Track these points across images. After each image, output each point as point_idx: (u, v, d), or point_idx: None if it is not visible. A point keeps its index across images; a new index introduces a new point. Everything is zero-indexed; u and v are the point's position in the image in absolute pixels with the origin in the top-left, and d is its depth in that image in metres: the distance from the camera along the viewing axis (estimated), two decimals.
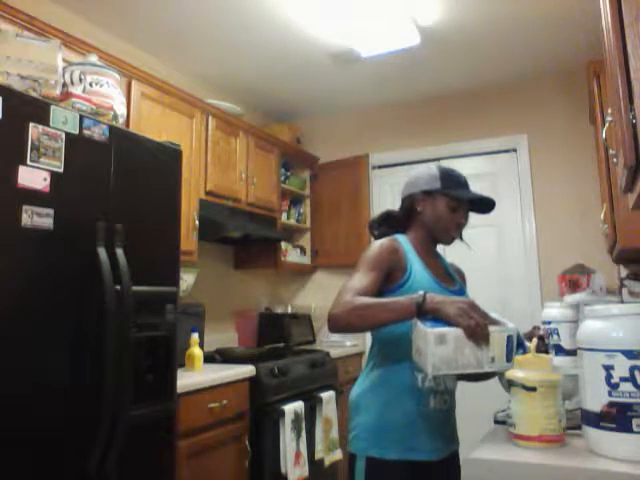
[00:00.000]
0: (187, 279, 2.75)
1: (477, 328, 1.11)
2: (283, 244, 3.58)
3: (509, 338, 1.17)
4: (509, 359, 1.15)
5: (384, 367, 1.39)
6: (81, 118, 1.71)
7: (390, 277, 1.38)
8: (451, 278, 1.54)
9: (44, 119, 1.59)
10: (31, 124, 1.56)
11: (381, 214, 1.60)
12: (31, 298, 1.52)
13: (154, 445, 1.88)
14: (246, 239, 3.28)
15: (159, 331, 1.93)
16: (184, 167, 2.22)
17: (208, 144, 2.90)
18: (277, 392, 2.62)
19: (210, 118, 2.94)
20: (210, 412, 2.26)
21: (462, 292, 1.50)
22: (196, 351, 2.54)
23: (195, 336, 2.58)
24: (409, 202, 1.52)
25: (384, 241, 1.44)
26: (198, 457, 2.19)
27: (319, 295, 3.92)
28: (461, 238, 1.55)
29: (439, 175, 1.49)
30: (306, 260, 3.89)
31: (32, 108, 1.58)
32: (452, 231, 1.47)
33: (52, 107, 1.63)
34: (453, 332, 1.12)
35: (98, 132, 1.76)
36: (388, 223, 1.56)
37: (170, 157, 2.08)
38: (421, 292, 1.19)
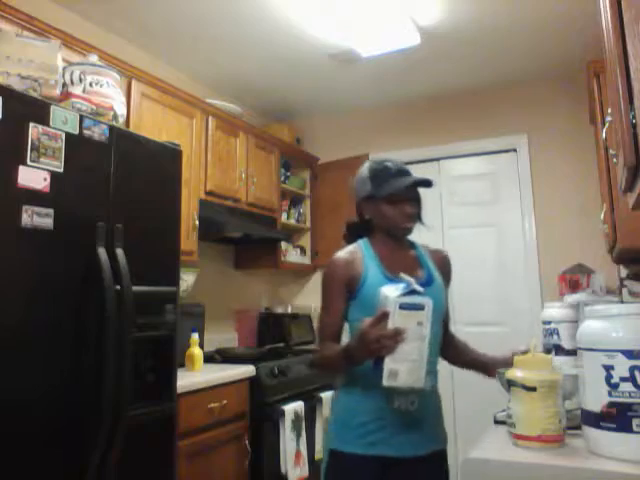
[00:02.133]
0: (187, 279, 2.75)
1: (386, 347, 1.18)
2: (283, 244, 3.58)
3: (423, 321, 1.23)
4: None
5: (354, 367, 1.40)
6: (81, 118, 1.71)
7: (350, 287, 1.43)
8: (422, 268, 1.49)
9: (44, 119, 1.59)
10: (31, 124, 1.56)
11: (345, 225, 1.64)
12: (31, 298, 1.52)
13: (154, 445, 1.88)
14: (246, 239, 3.28)
15: (159, 331, 1.93)
16: (184, 167, 2.22)
17: (208, 144, 2.90)
18: (277, 392, 2.63)
19: (210, 118, 2.94)
20: (210, 412, 2.26)
21: (430, 281, 1.44)
22: (196, 351, 2.54)
23: (195, 336, 2.58)
24: (359, 211, 1.56)
25: (335, 257, 1.48)
26: (198, 457, 2.19)
27: (319, 295, 3.91)
28: (421, 222, 1.53)
29: (369, 176, 1.50)
30: (306, 260, 3.89)
31: (32, 108, 1.58)
32: (402, 223, 1.46)
33: (52, 107, 1.63)
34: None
35: (98, 132, 1.76)
36: (356, 230, 1.58)
37: (170, 157, 2.08)
38: (348, 343, 1.29)
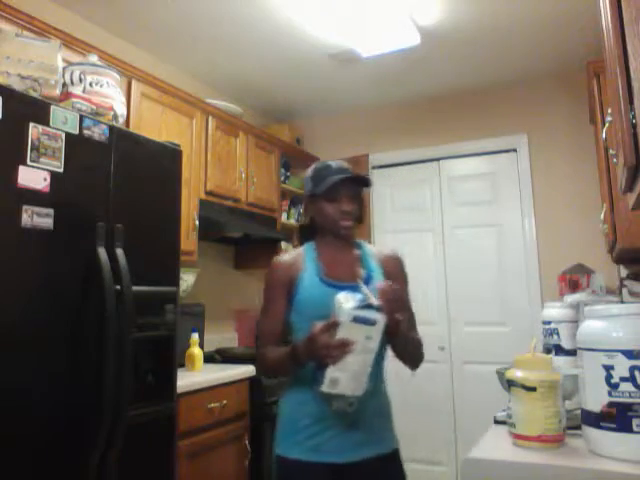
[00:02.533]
0: (187, 279, 2.75)
1: (332, 357, 1.19)
2: (283, 244, 3.58)
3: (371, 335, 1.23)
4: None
5: (297, 371, 1.40)
6: (81, 118, 1.71)
7: (289, 289, 1.43)
8: (363, 269, 1.46)
9: (44, 119, 1.59)
10: (31, 124, 1.56)
11: (298, 228, 1.68)
12: (31, 298, 1.52)
13: (154, 445, 1.88)
14: (246, 239, 3.28)
15: (159, 331, 1.93)
16: (184, 167, 2.22)
17: (208, 144, 2.90)
18: (277, 392, 2.62)
19: (210, 118, 2.94)
20: (210, 412, 2.26)
21: (367, 282, 1.39)
22: (196, 351, 2.54)
23: (195, 336, 2.58)
24: (304, 211, 1.58)
25: (275, 259, 1.50)
26: (198, 457, 2.19)
27: None
28: (360, 222, 1.51)
29: (311, 176, 1.51)
30: None
31: (32, 108, 1.58)
32: (340, 220, 1.44)
33: (52, 107, 1.63)
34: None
35: (98, 132, 1.76)
36: (306, 232, 1.59)
37: (170, 157, 2.08)
38: (295, 344, 1.30)
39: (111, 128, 1.81)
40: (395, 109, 3.90)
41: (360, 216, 1.51)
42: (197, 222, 2.72)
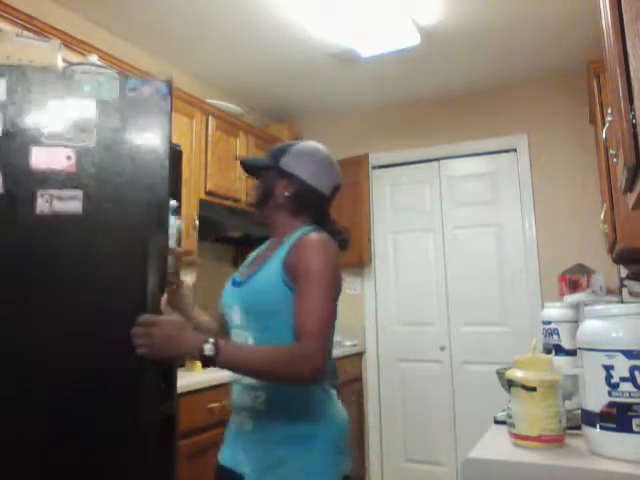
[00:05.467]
0: (187, 279, 2.75)
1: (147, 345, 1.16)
2: None
3: None
4: None
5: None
6: (122, 79, 1.40)
7: None
8: (259, 265, 1.31)
9: (68, 90, 1.38)
10: (50, 100, 1.36)
11: None
12: (31, 294, 1.50)
13: (154, 445, 1.88)
14: (246, 239, 3.28)
15: None
16: (184, 167, 2.22)
17: (208, 144, 2.90)
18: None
19: (210, 118, 2.94)
20: (210, 412, 2.26)
21: (247, 278, 1.29)
22: None
23: None
24: None
25: None
26: (198, 457, 2.19)
27: None
28: (254, 203, 1.42)
29: None
30: None
31: (52, 80, 1.39)
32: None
33: (78, 75, 1.39)
34: None
35: (150, 90, 1.40)
36: None
37: (170, 157, 2.07)
38: None
39: (169, 84, 1.44)
40: (395, 109, 3.90)
41: (261, 199, 1.36)
42: (197, 222, 2.72)
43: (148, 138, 1.42)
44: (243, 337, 1.25)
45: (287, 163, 1.33)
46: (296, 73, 3.36)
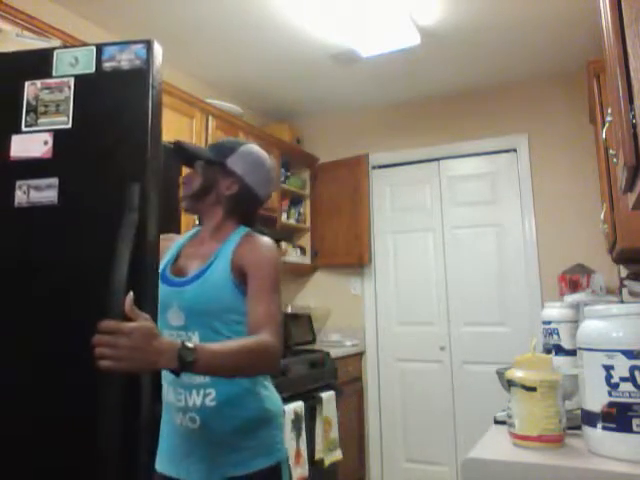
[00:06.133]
0: None
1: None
2: (283, 244, 3.58)
3: None
4: None
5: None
6: (99, 50, 1.28)
7: None
8: (205, 262, 1.29)
9: (45, 71, 1.29)
10: (27, 83, 1.27)
11: None
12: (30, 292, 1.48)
13: (154, 445, 1.88)
14: None
15: None
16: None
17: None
18: (277, 392, 2.62)
19: (210, 118, 2.94)
20: None
21: (196, 277, 1.26)
22: None
23: None
24: None
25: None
26: None
27: (319, 295, 3.92)
28: (186, 195, 1.39)
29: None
30: (306, 260, 3.89)
31: (28, 63, 1.31)
32: (179, 192, 1.38)
33: (56, 52, 1.30)
34: None
35: (128, 58, 1.27)
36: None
37: (170, 157, 2.08)
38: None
39: (148, 46, 1.28)
40: (395, 109, 3.90)
41: (199, 192, 1.34)
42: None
43: (127, 112, 1.27)
44: (184, 338, 1.21)
45: (234, 162, 1.34)
46: (296, 73, 3.36)
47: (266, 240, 1.31)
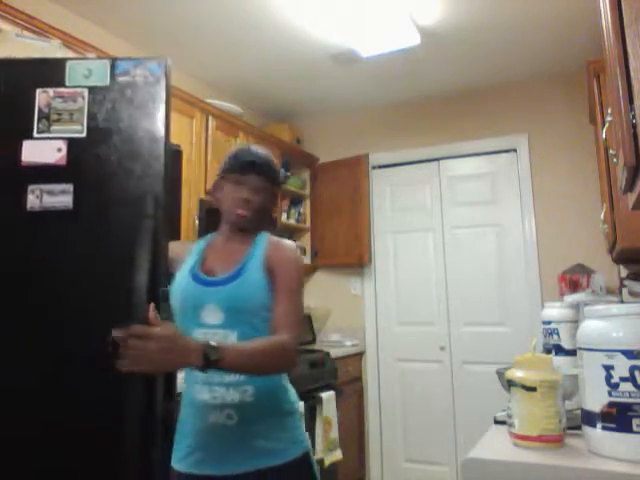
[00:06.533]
0: None
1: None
2: None
3: None
4: None
5: (185, 382, 1.36)
6: (113, 64, 1.34)
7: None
8: (240, 263, 1.33)
9: (57, 80, 1.33)
10: (38, 90, 1.32)
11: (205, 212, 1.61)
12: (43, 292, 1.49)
13: (154, 445, 1.88)
14: None
15: None
16: (184, 167, 2.22)
17: (208, 144, 2.90)
18: None
19: (210, 118, 2.94)
20: None
21: (235, 276, 1.30)
22: None
23: None
24: (212, 192, 1.46)
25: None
26: None
27: (319, 295, 3.92)
28: (263, 219, 1.42)
29: (230, 154, 1.42)
30: (306, 260, 3.89)
31: (39, 71, 1.36)
32: (235, 207, 1.35)
33: (69, 63, 1.35)
34: None
35: (143, 73, 1.34)
36: (211, 216, 1.53)
37: (170, 157, 2.07)
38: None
39: (162, 62, 1.39)
40: (395, 109, 3.90)
41: (264, 213, 1.40)
42: (197, 222, 2.72)
43: (141, 125, 1.35)
44: (222, 336, 1.25)
45: (279, 184, 1.45)
46: (296, 73, 3.36)
47: (290, 243, 1.41)
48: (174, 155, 2.08)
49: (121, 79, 1.33)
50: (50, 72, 1.34)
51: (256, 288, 1.29)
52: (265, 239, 1.38)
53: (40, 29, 2.06)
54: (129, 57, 1.35)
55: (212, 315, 1.28)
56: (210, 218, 1.47)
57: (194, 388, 1.30)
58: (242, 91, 3.62)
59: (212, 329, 1.27)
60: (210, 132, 2.93)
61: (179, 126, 2.70)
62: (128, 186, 1.33)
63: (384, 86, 3.59)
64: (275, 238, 1.40)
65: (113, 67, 1.34)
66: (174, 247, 1.39)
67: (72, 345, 1.32)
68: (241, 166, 1.36)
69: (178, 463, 1.30)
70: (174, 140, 2.20)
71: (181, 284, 1.34)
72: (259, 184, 1.36)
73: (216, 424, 1.26)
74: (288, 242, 1.41)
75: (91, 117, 1.32)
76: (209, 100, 3.05)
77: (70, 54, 2.12)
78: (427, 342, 3.61)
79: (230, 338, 1.26)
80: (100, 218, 1.31)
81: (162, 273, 1.29)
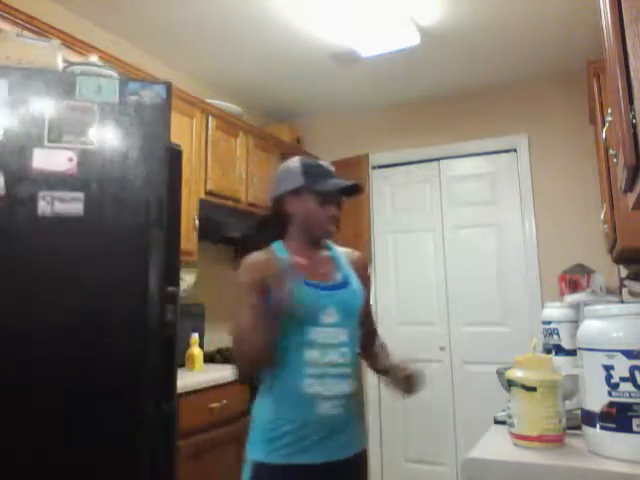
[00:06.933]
0: (187, 279, 2.75)
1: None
2: None
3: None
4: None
5: (273, 376, 1.37)
6: (123, 83, 1.45)
7: (264, 291, 1.32)
8: (338, 271, 1.46)
9: (68, 93, 1.41)
10: (50, 101, 1.38)
11: (256, 224, 1.64)
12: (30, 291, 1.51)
13: (154, 445, 1.88)
14: (246, 239, 3.28)
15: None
16: (184, 167, 2.22)
17: (208, 144, 2.90)
18: None
19: (210, 118, 2.94)
20: (210, 412, 2.26)
21: (345, 283, 1.44)
22: (196, 351, 2.54)
23: (195, 336, 2.58)
24: (278, 205, 1.48)
25: (244, 262, 1.41)
26: (198, 457, 2.19)
27: None
28: (337, 228, 1.49)
29: (301, 170, 1.44)
30: None
31: (51, 82, 1.43)
32: (326, 225, 1.43)
33: (79, 78, 1.44)
34: None
35: (150, 95, 1.46)
36: (267, 230, 1.53)
37: (170, 157, 2.08)
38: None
39: (167, 86, 1.51)
40: (395, 109, 3.90)
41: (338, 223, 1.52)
42: (197, 222, 2.72)
43: (148, 141, 1.47)
44: (336, 332, 1.39)
45: None
46: (296, 73, 3.36)
47: (359, 253, 1.61)
48: (174, 155, 2.09)
49: (131, 97, 1.45)
50: (61, 84, 1.42)
51: (360, 293, 1.46)
52: (335, 247, 1.55)
53: (40, 29, 2.06)
54: (136, 80, 1.54)
55: (330, 316, 1.39)
56: (267, 226, 1.51)
57: (303, 382, 1.33)
58: (242, 91, 3.62)
59: (328, 327, 1.38)
60: (210, 132, 2.93)
61: (179, 126, 2.70)
62: (135, 194, 1.44)
63: (384, 86, 3.59)
64: (343, 248, 1.57)
65: (123, 86, 1.45)
66: (257, 266, 1.39)
67: (84, 347, 1.34)
68: (337, 191, 1.43)
69: (284, 455, 1.31)
70: (174, 140, 2.21)
71: (305, 291, 1.36)
72: (342, 201, 1.48)
73: (324, 415, 1.33)
74: (362, 253, 1.63)
75: (102, 130, 1.43)
76: (209, 100, 3.05)
77: (70, 54, 2.12)
78: (427, 342, 3.61)
79: (343, 334, 1.40)
80: (108, 224, 1.41)
81: (168, 274, 1.38)
